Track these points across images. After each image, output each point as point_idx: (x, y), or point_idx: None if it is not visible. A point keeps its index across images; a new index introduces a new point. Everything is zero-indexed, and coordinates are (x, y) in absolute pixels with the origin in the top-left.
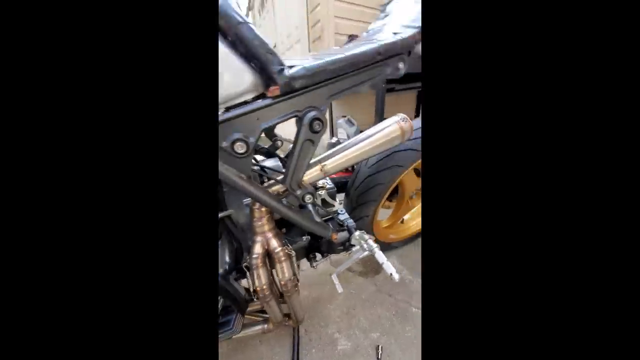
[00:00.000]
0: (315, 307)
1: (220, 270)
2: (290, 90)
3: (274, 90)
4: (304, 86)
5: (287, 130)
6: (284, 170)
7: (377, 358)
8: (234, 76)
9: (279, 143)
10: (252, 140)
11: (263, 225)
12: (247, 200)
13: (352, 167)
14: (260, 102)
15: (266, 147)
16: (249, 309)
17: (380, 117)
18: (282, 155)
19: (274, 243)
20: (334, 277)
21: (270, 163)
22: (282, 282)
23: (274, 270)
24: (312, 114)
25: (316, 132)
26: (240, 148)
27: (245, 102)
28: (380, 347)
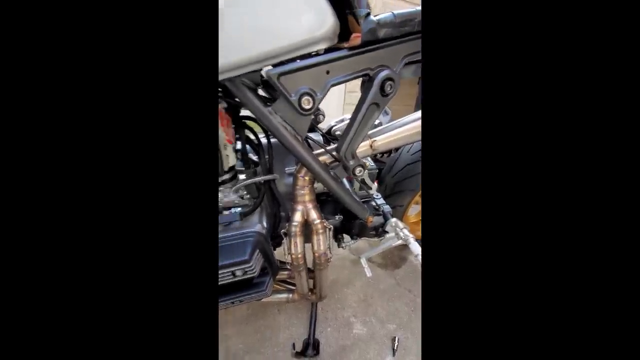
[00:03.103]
0: (333, 289)
1: (263, 231)
2: (372, 39)
3: (355, 38)
4: (387, 37)
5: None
6: (326, 146)
7: (393, 349)
8: (316, 17)
9: (321, 117)
10: (319, 96)
11: (304, 195)
12: (290, 169)
13: (387, 154)
14: (335, 53)
15: None
16: (277, 277)
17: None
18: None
19: (314, 214)
20: (363, 261)
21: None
22: (317, 254)
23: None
24: (384, 73)
25: (386, 95)
26: (306, 103)
27: (317, 54)
28: (397, 339)
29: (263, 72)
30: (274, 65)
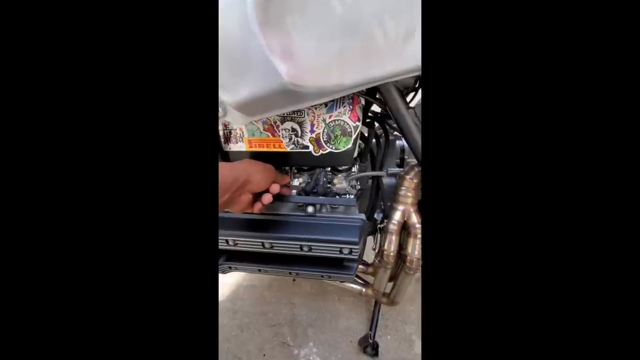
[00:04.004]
0: None
1: (364, 217)
2: None
3: None
4: None
5: None
6: None
7: None
8: None
9: None
10: None
11: (409, 197)
12: (395, 170)
13: None
14: None
15: None
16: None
17: None
18: None
19: (415, 218)
20: None
21: None
22: (409, 258)
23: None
24: None
25: None
26: None
27: None
28: None
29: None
30: None
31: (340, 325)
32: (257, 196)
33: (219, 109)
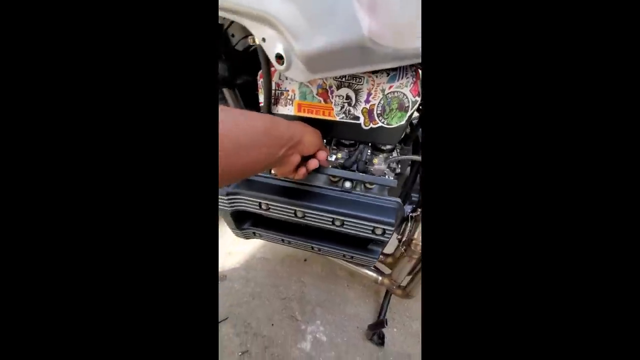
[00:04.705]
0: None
1: (400, 201)
2: None
3: None
4: None
5: None
6: None
7: None
8: None
9: None
10: None
11: None
12: None
13: None
14: None
15: None
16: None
17: None
18: None
19: None
20: None
21: None
22: None
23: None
24: None
25: None
26: None
27: None
28: None
29: None
30: None
31: (348, 310)
32: (302, 161)
33: (284, 60)
